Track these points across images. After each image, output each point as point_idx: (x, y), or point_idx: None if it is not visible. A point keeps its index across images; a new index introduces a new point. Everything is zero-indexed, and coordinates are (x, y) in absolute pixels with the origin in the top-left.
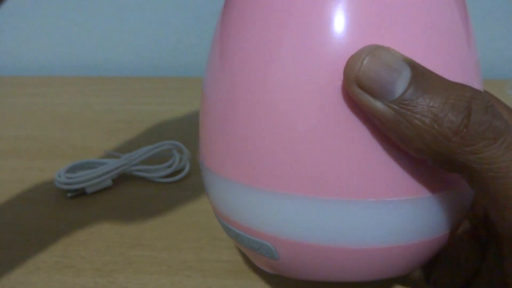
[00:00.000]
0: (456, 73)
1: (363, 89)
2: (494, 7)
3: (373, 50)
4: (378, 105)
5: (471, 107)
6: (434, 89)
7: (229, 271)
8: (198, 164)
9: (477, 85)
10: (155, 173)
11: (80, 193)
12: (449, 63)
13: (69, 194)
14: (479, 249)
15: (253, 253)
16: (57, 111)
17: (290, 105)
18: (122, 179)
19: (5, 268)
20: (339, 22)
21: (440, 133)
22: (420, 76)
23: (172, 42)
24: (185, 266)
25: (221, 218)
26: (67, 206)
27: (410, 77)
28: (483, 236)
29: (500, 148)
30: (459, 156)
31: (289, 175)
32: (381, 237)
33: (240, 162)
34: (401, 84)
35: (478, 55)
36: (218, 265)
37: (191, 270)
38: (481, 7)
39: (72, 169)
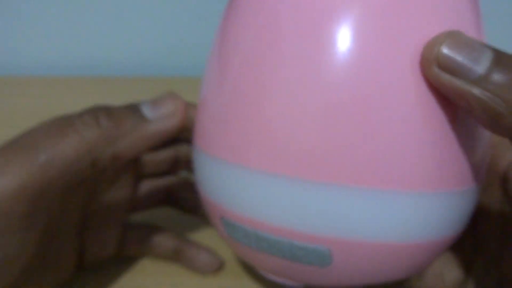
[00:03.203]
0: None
1: (445, 69)
2: (494, 7)
3: (450, 33)
4: (463, 83)
5: None
6: None
7: (230, 271)
8: None
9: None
10: None
11: None
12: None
13: None
14: (463, 260)
15: (286, 264)
16: (57, 111)
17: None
18: None
19: None
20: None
21: None
22: (502, 54)
23: (172, 42)
24: (184, 266)
25: (233, 220)
26: None
27: (492, 55)
28: (469, 246)
29: None
30: None
31: (348, 166)
32: (434, 230)
33: (290, 151)
34: (484, 61)
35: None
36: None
37: (191, 270)
38: (481, 7)
39: None
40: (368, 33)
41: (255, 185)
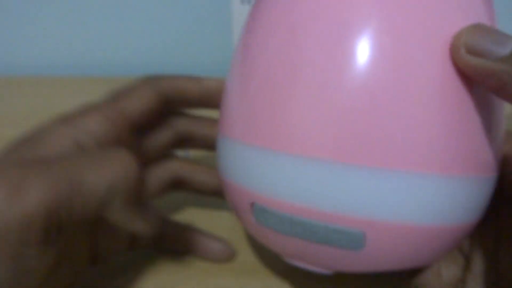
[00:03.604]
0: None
1: (473, 54)
2: (494, 8)
3: (476, 24)
4: (492, 63)
5: None
6: None
7: (229, 270)
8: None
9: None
10: None
11: None
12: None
13: None
14: (461, 258)
15: (318, 249)
16: (57, 111)
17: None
18: None
19: None
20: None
21: None
22: None
23: (172, 42)
24: (184, 266)
25: (266, 204)
26: None
27: None
28: (466, 244)
29: None
30: None
31: (383, 148)
32: (462, 214)
33: (326, 133)
34: (509, 44)
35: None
36: (218, 264)
37: (191, 270)
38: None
39: None
40: (391, 25)
41: (291, 168)
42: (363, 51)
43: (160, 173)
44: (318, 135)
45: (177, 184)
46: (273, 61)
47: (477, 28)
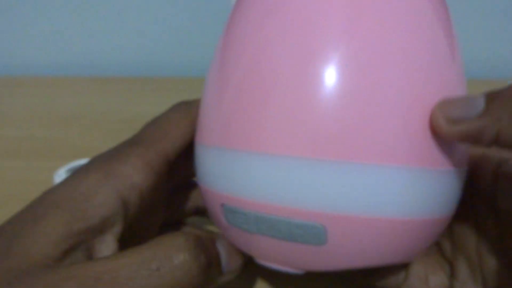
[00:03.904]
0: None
1: (452, 122)
2: (494, 7)
3: (443, 99)
4: (472, 122)
5: None
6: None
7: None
8: None
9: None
10: None
11: None
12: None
13: None
14: (446, 265)
15: (284, 247)
16: (57, 111)
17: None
18: None
19: None
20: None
21: None
22: (488, 92)
23: (172, 42)
24: None
25: (234, 204)
26: None
27: (483, 94)
28: (449, 251)
29: None
30: None
31: (340, 140)
32: (428, 208)
33: (281, 130)
34: (480, 100)
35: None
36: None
37: None
38: (481, 7)
39: (72, 169)
40: (358, 29)
41: (254, 167)
42: (330, 52)
43: (184, 202)
44: (277, 132)
45: (201, 213)
46: (245, 67)
47: (447, 101)
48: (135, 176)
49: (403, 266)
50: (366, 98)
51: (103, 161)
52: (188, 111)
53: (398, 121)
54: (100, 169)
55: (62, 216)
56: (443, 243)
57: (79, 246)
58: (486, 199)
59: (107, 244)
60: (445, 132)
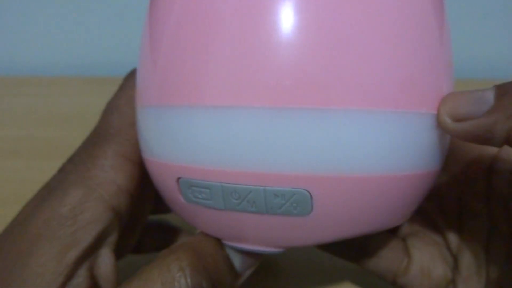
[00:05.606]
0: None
1: (458, 120)
2: (494, 7)
3: (449, 94)
4: (480, 120)
5: None
6: None
7: None
8: None
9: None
10: None
11: None
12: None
13: None
14: (450, 257)
15: (261, 223)
16: (57, 111)
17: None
18: None
19: None
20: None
21: None
22: (499, 85)
23: None
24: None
25: (192, 176)
26: None
27: (492, 88)
28: (455, 244)
29: None
30: None
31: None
32: (421, 158)
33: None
34: (489, 95)
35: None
36: None
37: None
38: (481, 7)
39: None
40: None
41: (215, 125)
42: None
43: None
44: (243, 78)
45: None
46: (179, 11)
47: (452, 96)
48: (118, 178)
49: (406, 255)
50: (344, 31)
51: (79, 171)
52: None
53: (383, 59)
54: (79, 183)
55: (51, 248)
56: (450, 235)
57: (78, 271)
58: (502, 197)
59: (102, 258)
60: (451, 131)
